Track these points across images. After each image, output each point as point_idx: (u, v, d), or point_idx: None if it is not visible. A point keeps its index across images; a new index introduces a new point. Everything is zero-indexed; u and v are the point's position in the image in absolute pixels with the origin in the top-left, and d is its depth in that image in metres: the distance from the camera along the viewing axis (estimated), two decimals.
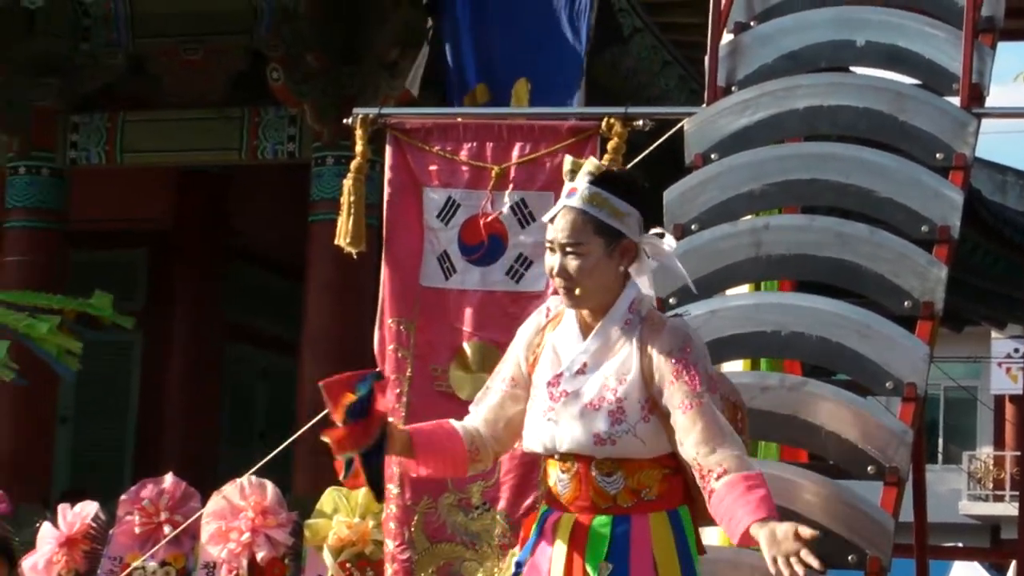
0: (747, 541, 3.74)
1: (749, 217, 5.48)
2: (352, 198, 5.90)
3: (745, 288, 5.63)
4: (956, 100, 5.57)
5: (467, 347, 5.73)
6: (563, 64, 6.71)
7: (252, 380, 13.40)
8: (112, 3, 10.76)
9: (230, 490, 7.38)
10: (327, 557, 6.97)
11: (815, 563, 3.61)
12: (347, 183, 5.92)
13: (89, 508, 7.87)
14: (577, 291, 3.95)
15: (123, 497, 7.73)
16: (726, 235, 5.31)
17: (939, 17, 5.83)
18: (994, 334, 25.52)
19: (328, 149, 10.45)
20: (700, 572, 3.97)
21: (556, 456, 3.99)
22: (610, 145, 5.64)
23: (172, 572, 7.60)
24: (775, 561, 3.64)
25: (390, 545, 5.69)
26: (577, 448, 3.94)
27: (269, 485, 7.42)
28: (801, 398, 4.80)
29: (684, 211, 5.47)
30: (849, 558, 4.61)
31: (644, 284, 4.03)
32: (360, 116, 5.87)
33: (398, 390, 5.77)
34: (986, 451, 30.79)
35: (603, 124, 5.69)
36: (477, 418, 4.13)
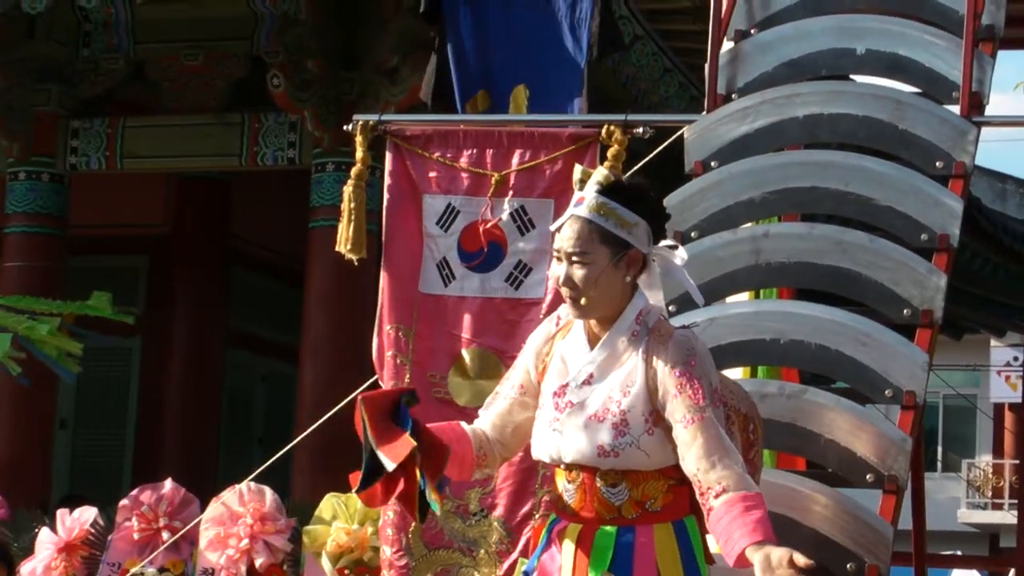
0: (742, 563, 3.74)
1: (749, 225, 5.48)
2: (352, 205, 5.90)
3: (744, 296, 5.63)
4: (956, 108, 5.57)
5: (466, 354, 5.72)
6: (563, 71, 6.71)
7: (252, 386, 13.40)
8: (113, 9, 10.77)
9: (229, 496, 7.38)
10: (326, 563, 6.97)
11: None
12: (347, 190, 5.92)
13: (88, 514, 7.87)
14: (583, 300, 3.95)
15: (122, 503, 7.73)
16: (726, 243, 5.31)
17: (939, 26, 5.84)
18: (993, 342, 25.51)
19: (328, 155, 10.46)
20: None
21: (562, 466, 4.00)
22: (610, 152, 5.65)
23: None
24: None
25: (387, 551, 5.69)
26: (581, 459, 3.95)
27: (268, 491, 7.42)
28: (800, 406, 4.80)
29: (684, 218, 5.47)
30: (848, 566, 4.61)
31: (654, 295, 4.03)
32: (360, 123, 5.87)
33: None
34: (985, 459, 30.77)
35: (603, 131, 5.69)
36: (485, 423, 4.13)
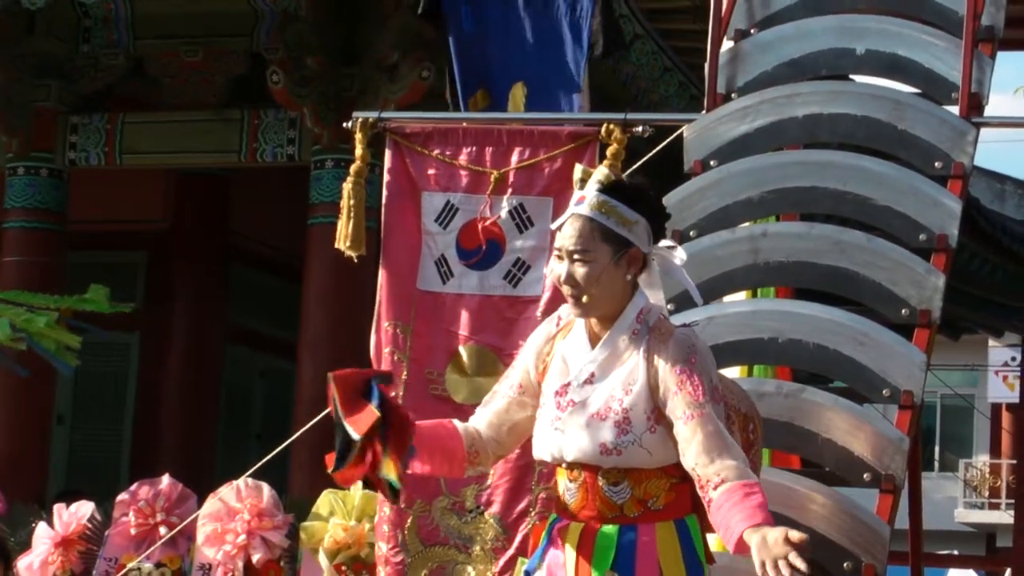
0: (742, 548, 3.74)
1: (747, 224, 5.48)
2: (352, 202, 5.90)
3: (742, 295, 5.63)
4: (955, 109, 5.57)
5: (463, 351, 5.73)
6: (563, 70, 6.71)
7: (250, 382, 13.40)
8: (113, 5, 10.78)
9: (226, 492, 7.38)
10: (323, 560, 6.97)
11: (802, 566, 3.61)
12: (347, 187, 5.92)
13: (85, 508, 7.87)
14: (585, 299, 3.96)
15: (119, 498, 7.73)
16: (725, 242, 5.32)
17: (939, 26, 5.84)
18: (991, 342, 25.51)
19: (327, 152, 10.47)
20: None
21: (564, 465, 4.00)
22: (609, 151, 5.65)
23: (168, 573, 7.60)
24: (763, 565, 3.65)
25: (383, 548, 5.69)
26: (583, 458, 3.95)
27: (265, 487, 7.42)
28: (798, 405, 4.81)
29: (683, 217, 5.48)
30: (845, 565, 4.61)
31: (654, 294, 4.04)
32: (360, 120, 5.87)
33: (393, 394, 5.77)
34: (982, 459, 30.79)
35: (603, 130, 5.69)
36: (481, 421, 4.14)
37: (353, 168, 5.91)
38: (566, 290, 3.98)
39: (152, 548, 7.54)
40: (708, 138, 5.68)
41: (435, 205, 5.81)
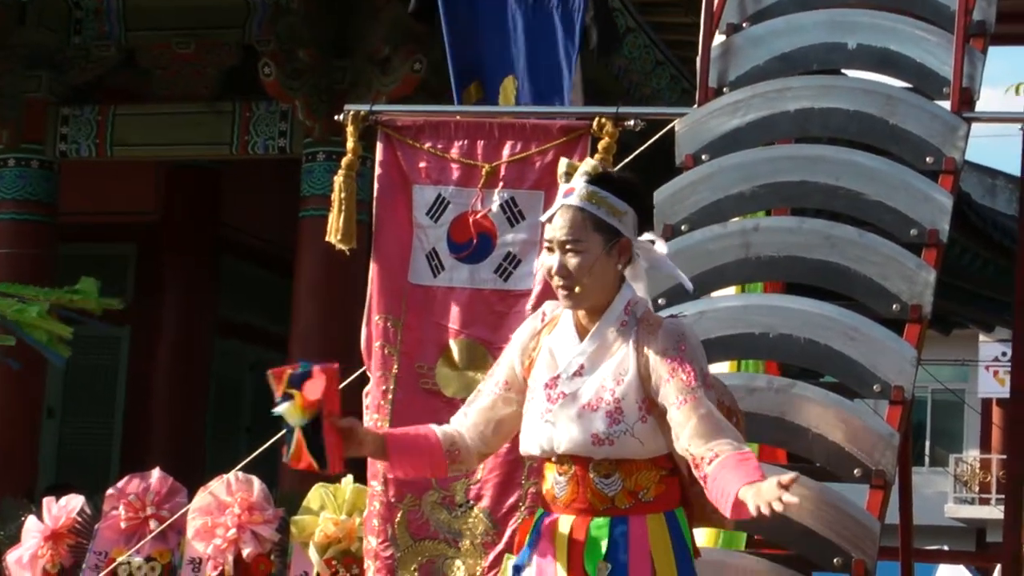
0: (739, 509, 3.72)
1: (739, 218, 5.48)
2: (343, 195, 5.89)
3: (732, 290, 5.63)
4: (947, 104, 5.57)
5: (454, 345, 5.72)
6: (555, 63, 6.71)
7: (240, 375, 13.39)
8: None
9: (217, 486, 7.37)
10: (313, 554, 6.96)
11: (794, 500, 3.60)
12: (338, 180, 5.91)
13: (75, 502, 7.86)
14: (577, 289, 3.96)
15: (109, 491, 7.72)
16: (716, 236, 5.31)
17: (931, 21, 5.84)
18: (982, 337, 25.58)
19: (319, 145, 10.46)
20: (697, 574, 3.98)
21: (553, 459, 4.00)
22: (601, 145, 5.64)
23: (157, 568, 7.59)
24: (758, 509, 3.64)
25: (372, 542, 5.69)
26: (575, 449, 3.95)
27: (256, 481, 7.41)
28: (788, 400, 4.80)
29: (674, 211, 5.47)
30: (834, 561, 4.61)
31: (638, 287, 4.05)
32: (351, 112, 5.86)
33: (384, 387, 5.77)
34: (972, 454, 30.84)
35: (594, 124, 5.69)
36: (464, 421, 4.13)
37: (344, 161, 5.90)
38: (557, 281, 3.98)
39: (142, 542, 7.53)
40: (700, 132, 5.68)
41: (426, 198, 5.80)
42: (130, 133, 11.12)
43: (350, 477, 6.85)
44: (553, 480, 4.01)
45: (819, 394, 4.82)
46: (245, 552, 7.31)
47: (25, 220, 11.00)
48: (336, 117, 5.94)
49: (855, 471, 4.74)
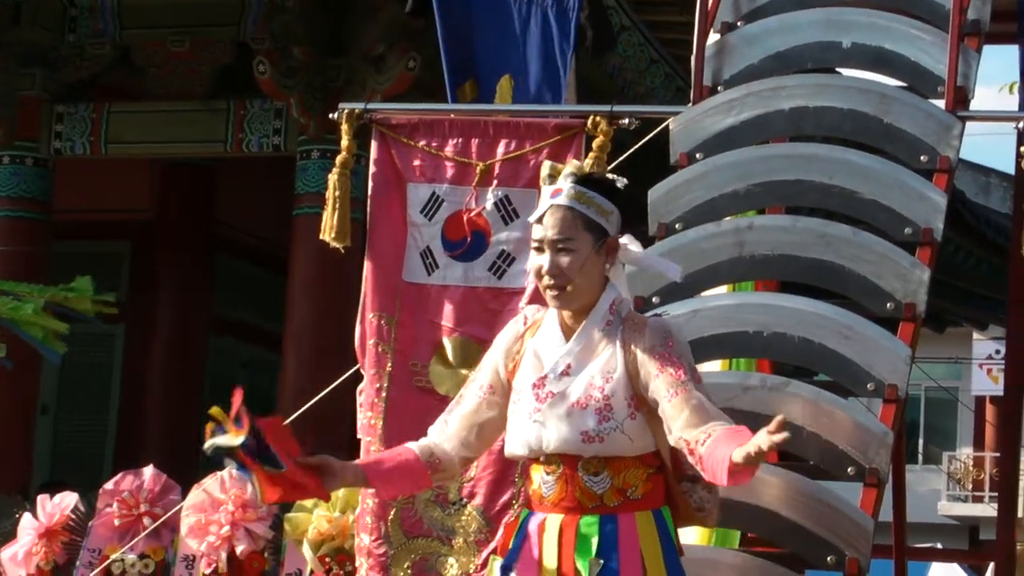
0: (734, 473, 3.68)
1: (733, 217, 5.48)
2: (337, 193, 5.89)
3: (724, 288, 5.63)
4: (941, 103, 5.57)
5: (447, 343, 5.72)
6: (550, 62, 6.71)
7: (234, 372, 13.39)
8: None
9: (210, 483, 7.37)
10: (307, 551, 6.96)
11: (781, 437, 3.57)
12: (332, 178, 5.91)
13: (69, 499, 7.86)
14: (569, 288, 3.97)
15: (103, 489, 7.72)
16: (710, 235, 5.32)
17: (925, 20, 5.84)
18: (975, 335, 25.58)
19: (313, 143, 10.46)
20: (684, 571, 3.99)
21: (541, 459, 4.00)
22: (595, 143, 5.64)
23: (151, 565, 7.59)
24: (748, 456, 3.61)
25: (365, 539, 5.69)
26: (564, 447, 3.95)
27: None
28: (782, 399, 4.80)
29: (668, 210, 5.48)
30: (828, 559, 4.62)
31: (621, 286, 4.07)
32: (346, 111, 5.86)
33: (378, 385, 5.77)
34: (966, 452, 30.86)
35: (589, 122, 5.69)
36: (446, 430, 4.13)
37: (339, 159, 5.90)
38: (547, 281, 3.98)
39: (136, 539, 7.54)
40: (694, 131, 5.68)
41: (421, 196, 5.80)
42: (125, 131, 11.12)
43: None
44: (540, 480, 4.01)
45: (813, 392, 4.82)
46: (239, 549, 7.31)
47: (20, 217, 11.00)
48: (331, 115, 5.94)
49: (849, 469, 4.74)
